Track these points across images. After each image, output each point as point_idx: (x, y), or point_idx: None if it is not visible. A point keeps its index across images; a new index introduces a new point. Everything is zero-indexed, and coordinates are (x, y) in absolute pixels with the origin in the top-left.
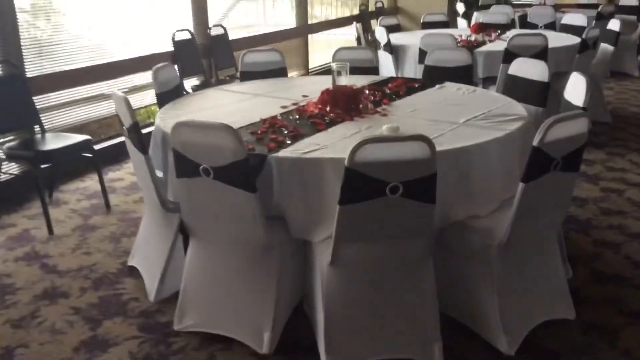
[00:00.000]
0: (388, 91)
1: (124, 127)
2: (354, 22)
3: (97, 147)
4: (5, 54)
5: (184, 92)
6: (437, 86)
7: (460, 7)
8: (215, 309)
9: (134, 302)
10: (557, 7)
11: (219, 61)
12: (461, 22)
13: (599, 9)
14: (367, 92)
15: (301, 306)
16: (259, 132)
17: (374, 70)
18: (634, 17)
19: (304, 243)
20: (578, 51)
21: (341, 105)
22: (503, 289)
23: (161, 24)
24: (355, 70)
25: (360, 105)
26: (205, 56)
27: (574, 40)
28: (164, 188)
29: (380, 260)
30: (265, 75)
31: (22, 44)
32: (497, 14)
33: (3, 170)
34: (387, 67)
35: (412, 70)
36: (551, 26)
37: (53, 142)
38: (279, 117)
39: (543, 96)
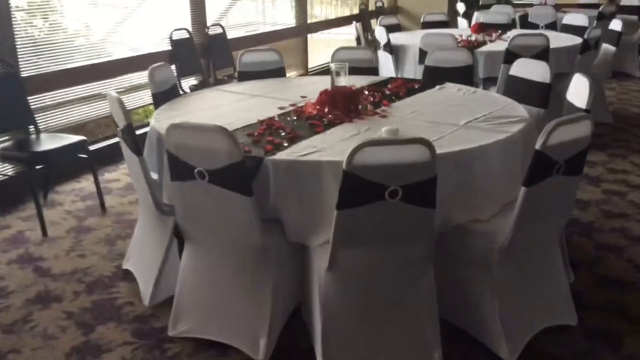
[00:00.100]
0: (387, 92)
1: (118, 128)
2: (354, 22)
3: (93, 147)
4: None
5: (182, 92)
6: (438, 87)
7: (461, 7)
8: (210, 314)
9: (128, 307)
10: (558, 7)
11: (217, 61)
12: (461, 22)
13: (600, 9)
14: (366, 93)
15: (299, 310)
16: (256, 133)
17: (373, 70)
18: (635, 17)
19: (301, 247)
20: (579, 51)
21: (340, 106)
22: (504, 294)
23: (159, 23)
24: (354, 71)
25: (359, 107)
26: (204, 56)
27: (576, 40)
28: (159, 190)
29: (379, 265)
30: (263, 75)
31: (17, 43)
32: (498, 13)
33: None
34: (387, 67)
35: (412, 70)
36: (552, 26)
37: (48, 143)
38: (276, 119)
39: (545, 97)
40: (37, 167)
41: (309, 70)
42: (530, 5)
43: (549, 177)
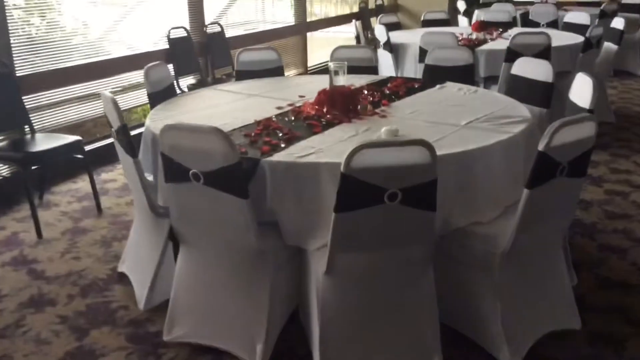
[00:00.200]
0: (387, 91)
1: (113, 129)
2: (353, 20)
3: (90, 147)
4: None
5: (179, 91)
6: (438, 86)
7: (461, 5)
8: (206, 319)
9: (123, 311)
10: (559, 5)
11: (215, 59)
12: (462, 20)
13: (602, 7)
14: (365, 92)
15: (296, 314)
16: (253, 134)
17: (373, 69)
18: (637, 16)
19: (298, 250)
20: (581, 50)
21: (338, 106)
22: (506, 298)
23: (157, 21)
24: (353, 70)
25: (359, 106)
26: (202, 54)
27: (577, 39)
28: (155, 192)
29: (378, 269)
30: (261, 74)
31: (13, 42)
32: (499, 11)
33: None
34: (386, 66)
35: (412, 69)
36: (553, 24)
37: (43, 143)
38: (273, 119)
39: (547, 97)
40: (32, 167)
41: (309, 68)
42: (531, 3)
43: (552, 179)
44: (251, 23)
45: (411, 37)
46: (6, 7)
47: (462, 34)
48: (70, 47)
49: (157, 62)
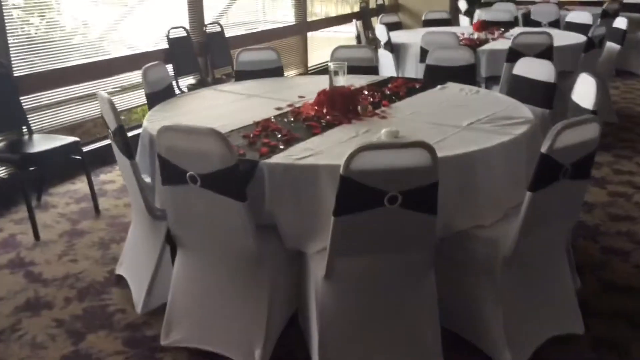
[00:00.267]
0: (388, 92)
1: (109, 130)
2: (354, 20)
3: (89, 147)
4: None
5: (179, 91)
6: (439, 87)
7: (463, 5)
8: (203, 323)
9: (120, 314)
10: (561, 5)
11: (215, 59)
12: (463, 20)
13: (604, 7)
14: (365, 93)
15: (296, 318)
16: (251, 135)
17: (373, 69)
18: (639, 15)
19: (297, 254)
20: (583, 50)
21: (338, 107)
22: (508, 302)
23: (156, 21)
24: (354, 70)
25: (359, 107)
26: (202, 54)
27: (579, 38)
28: (152, 194)
29: (377, 273)
30: (260, 74)
31: (11, 41)
32: (500, 11)
33: None
34: (387, 66)
35: (413, 69)
36: (555, 24)
37: (40, 144)
38: (272, 120)
39: (550, 97)
40: (29, 169)
41: (309, 68)
42: (533, 2)
43: (556, 182)
44: (251, 23)
45: (412, 37)
46: (4, 8)
47: (463, 34)
48: (70, 47)
49: (156, 62)
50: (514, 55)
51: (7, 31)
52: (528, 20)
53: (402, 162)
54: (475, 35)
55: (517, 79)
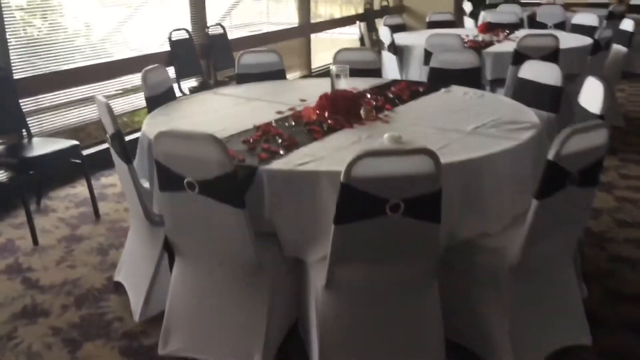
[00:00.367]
0: (391, 95)
1: (107, 135)
2: (357, 22)
3: (91, 150)
4: None
5: (181, 94)
6: (443, 90)
7: (467, 6)
8: (202, 332)
9: (118, 322)
10: (567, 6)
11: (218, 62)
12: (468, 22)
13: (610, 9)
14: (368, 96)
15: (296, 327)
16: (251, 140)
17: (376, 72)
18: None
19: (298, 262)
20: (590, 52)
21: (340, 111)
22: (514, 313)
23: (158, 23)
24: (357, 73)
25: (361, 111)
26: (204, 56)
27: (586, 41)
28: (150, 199)
29: (379, 283)
30: (262, 77)
31: (11, 44)
32: (505, 13)
33: None
34: (391, 68)
35: (418, 72)
36: (561, 26)
37: (39, 148)
38: (273, 124)
39: (556, 101)
40: (28, 173)
41: (312, 70)
42: (539, 4)
43: (563, 189)
44: (255, 24)
45: (416, 39)
46: (7, 10)
47: (467, 36)
48: (71, 49)
49: (156, 65)
50: (519, 57)
51: (9, 33)
52: (533, 22)
53: (405, 169)
54: (480, 38)
55: (522, 82)
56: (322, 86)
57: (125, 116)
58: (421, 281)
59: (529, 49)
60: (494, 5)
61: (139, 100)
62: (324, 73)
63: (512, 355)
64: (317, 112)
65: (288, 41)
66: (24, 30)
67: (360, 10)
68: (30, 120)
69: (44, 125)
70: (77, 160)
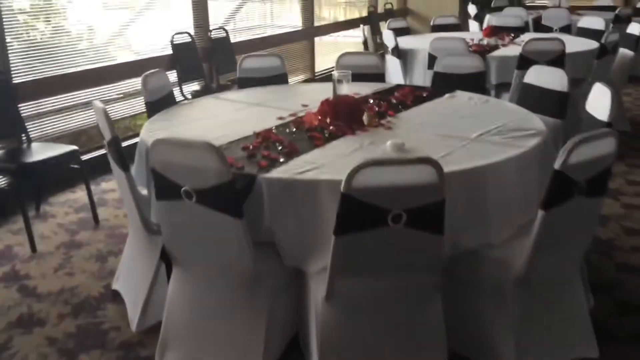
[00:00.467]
0: (394, 101)
1: (105, 141)
2: (361, 25)
3: (91, 155)
4: None
5: (183, 98)
6: (447, 95)
7: (472, 9)
8: (199, 344)
9: (114, 332)
10: (573, 10)
11: (220, 65)
12: (473, 25)
13: (617, 12)
14: (370, 101)
15: (296, 339)
16: (251, 147)
17: (379, 76)
18: None
19: (298, 273)
20: (596, 56)
21: (342, 117)
22: (520, 325)
23: (161, 26)
24: (360, 77)
25: (363, 117)
26: (206, 60)
27: (591, 44)
28: (148, 207)
29: (381, 295)
30: (264, 81)
31: (10, 48)
32: (511, 16)
33: None
34: (395, 73)
35: (422, 76)
36: (567, 29)
37: (37, 154)
38: (273, 130)
39: (562, 107)
40: (27, 178)
41: (316, 74)
42: (544, 7)
43: (570, 199)
44: (259, 28)
45: (420, 43)
46: (5, 14)
47: (472, 40)
48: (74, 52)
49: (156, 70)
50: (524, 62)
51: (11, 37)
52: (539, 26)
53: (407, 178)
54: (485, 41)
55: (528, 87)
56: (325, 91)
57: (126, 120)
58: (424, 293)
59: (534, 53)
60: (499, 9)
61: (140, 104)
62: (328, 76)
63: None
64: (319, 118)
65: (291, 44)
66: (26, 33)
67: (364, 13)
68: (30, 125)
69: (44, 129)
70: (76, 166)
